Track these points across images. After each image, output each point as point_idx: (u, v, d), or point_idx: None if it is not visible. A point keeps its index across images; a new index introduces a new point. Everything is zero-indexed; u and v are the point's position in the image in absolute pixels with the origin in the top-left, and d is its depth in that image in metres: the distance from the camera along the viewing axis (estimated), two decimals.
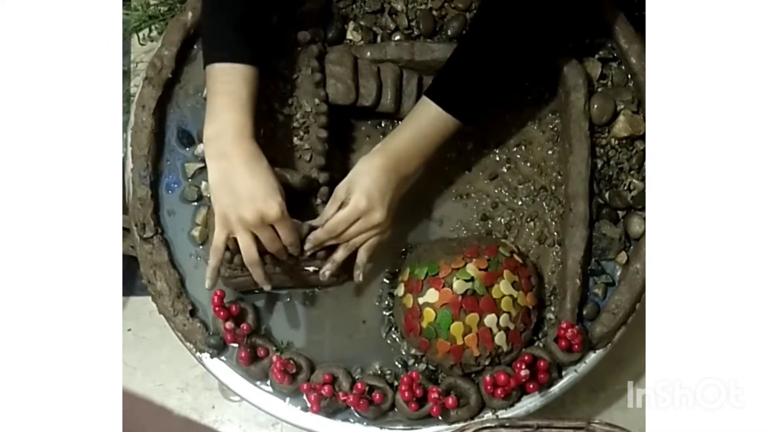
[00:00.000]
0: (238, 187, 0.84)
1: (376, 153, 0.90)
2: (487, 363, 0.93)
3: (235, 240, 0.87)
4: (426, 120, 0.90)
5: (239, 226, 0.85)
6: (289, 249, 0.88)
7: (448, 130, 0.90)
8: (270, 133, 0.96)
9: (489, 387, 0.91)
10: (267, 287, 0.90)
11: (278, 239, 0.87)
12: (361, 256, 0.91)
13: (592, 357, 0.97)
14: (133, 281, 1.08)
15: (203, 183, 0.99)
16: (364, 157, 0.91)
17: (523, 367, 0.91)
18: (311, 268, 0.93)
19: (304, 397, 0.93)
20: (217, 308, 0.93)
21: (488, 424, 0.90)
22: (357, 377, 0.95)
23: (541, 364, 0.92)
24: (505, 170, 1.02)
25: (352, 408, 0.93)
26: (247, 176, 0.84)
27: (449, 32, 1.00)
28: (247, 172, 0.84)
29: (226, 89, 0.85)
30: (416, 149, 0.90)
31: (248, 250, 0.86)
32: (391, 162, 0.89)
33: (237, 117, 0.85)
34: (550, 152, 1.02)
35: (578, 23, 0.96)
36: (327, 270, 0.91)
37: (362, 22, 1.02)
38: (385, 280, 0.99)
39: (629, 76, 1.01)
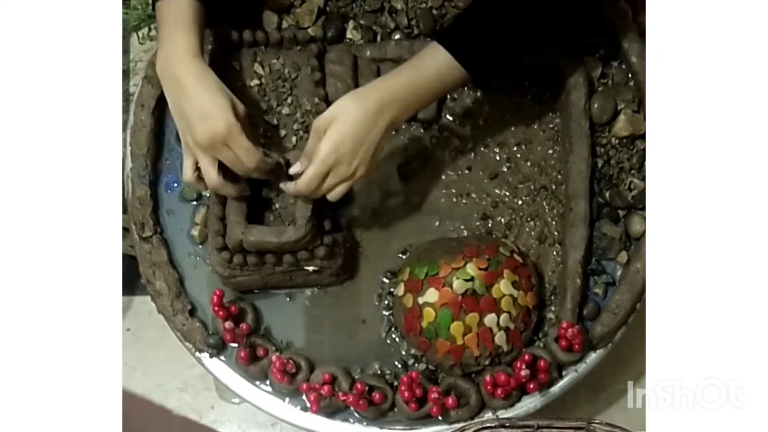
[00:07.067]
0: (187, 109, 0.83)
1: (369, 90, 0.85)
2: (487, 363, 0.93)
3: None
4: (432, 64, 0.84)
5: (197, 150, 0.84)
6: (250, 172, 0.86)
7: (453, 79, 0.85)
8: (270, 133, 0.96)
9: (489, 387, 0.91)
10: (246, 193, 0.90)
11: (241, 160, 0.85)
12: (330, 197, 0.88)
13: (593, 357, 0.96)
14: (132, 281, 1.08)
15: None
16: (356, 90, 0.86)
17: (524, 366, 0.90)
18: (311, 268, 0.93)
19: (304, 397, 0.93)
20: (216, 308, 0.93)
21: (488, 424, 0.89)
22: (357, 377, 0.94)
23: (542, 363, 0.92)
24: (505, 169, 1.01)
25: (351, 408, 0.93)
26: (194, 96, 0.83)
27: None
28: (194, 92, 0.83)
29: (170, 17, 0.85)
30: (414, 94, 0.85)
31: (208, 173, 0.85)
32: (383, 104, 0.83)
33: (180, 38, 0.84)
34: (550, 151, 1.02)
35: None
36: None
37: (362, 21, 1.02)
38: (385, 279, 0.99)
39: (630, 75, 1.01)
